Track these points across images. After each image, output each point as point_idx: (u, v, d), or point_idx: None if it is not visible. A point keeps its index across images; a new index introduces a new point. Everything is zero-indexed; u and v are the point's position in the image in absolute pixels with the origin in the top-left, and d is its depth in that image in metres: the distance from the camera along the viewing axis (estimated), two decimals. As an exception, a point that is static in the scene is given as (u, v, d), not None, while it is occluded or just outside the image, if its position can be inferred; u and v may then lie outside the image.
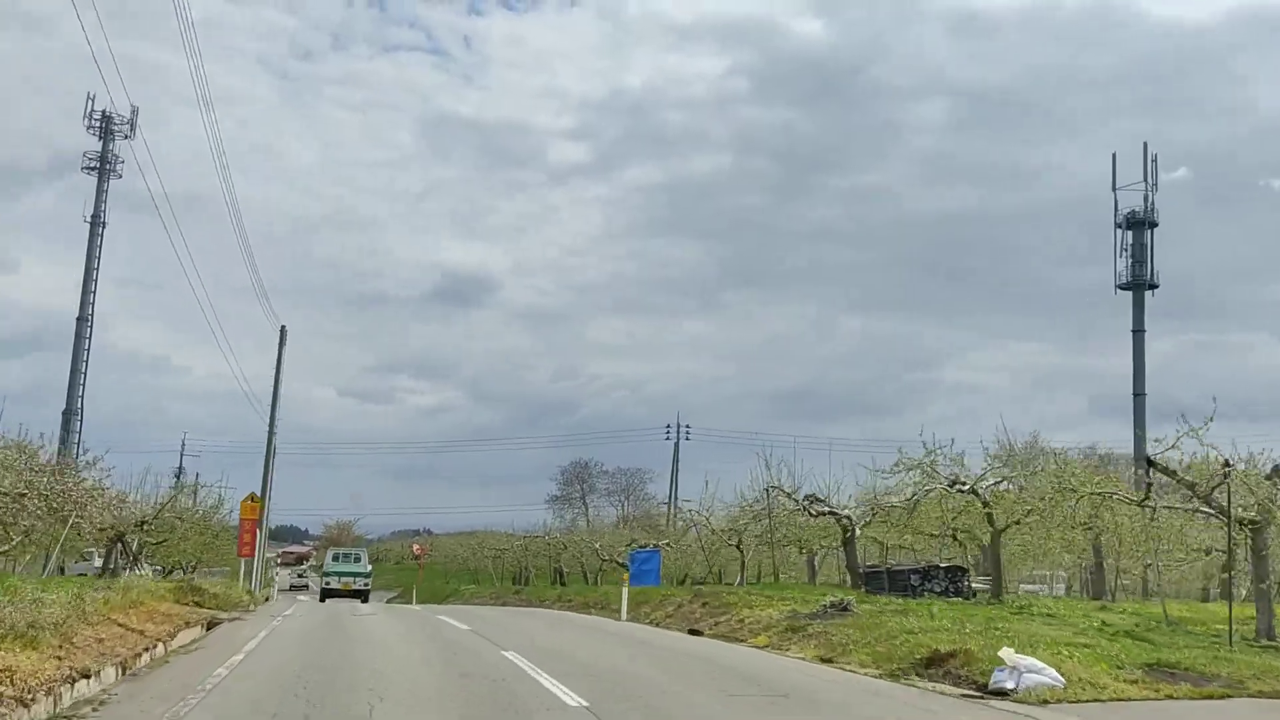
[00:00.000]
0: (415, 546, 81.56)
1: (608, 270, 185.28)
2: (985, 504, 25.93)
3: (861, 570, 29.84)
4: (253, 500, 32.95)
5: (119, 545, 28.61)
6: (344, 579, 41.21)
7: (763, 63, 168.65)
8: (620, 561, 41.87)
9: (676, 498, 71.45)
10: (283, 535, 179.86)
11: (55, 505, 21.33)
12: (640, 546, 40.13)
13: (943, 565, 27.41)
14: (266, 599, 37.71)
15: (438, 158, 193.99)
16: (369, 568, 42.92)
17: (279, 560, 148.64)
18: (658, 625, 25.33)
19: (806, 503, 30.96)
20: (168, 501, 32.20)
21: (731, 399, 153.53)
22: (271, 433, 38.18)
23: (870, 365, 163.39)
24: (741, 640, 20.02)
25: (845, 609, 19.30)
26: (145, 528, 29.73)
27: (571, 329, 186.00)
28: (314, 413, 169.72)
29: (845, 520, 30.23)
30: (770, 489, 32.56)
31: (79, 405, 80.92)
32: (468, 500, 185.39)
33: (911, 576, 26.34)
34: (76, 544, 30.28)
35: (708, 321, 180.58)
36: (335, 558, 44.64)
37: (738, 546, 35.18)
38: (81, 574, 32.52)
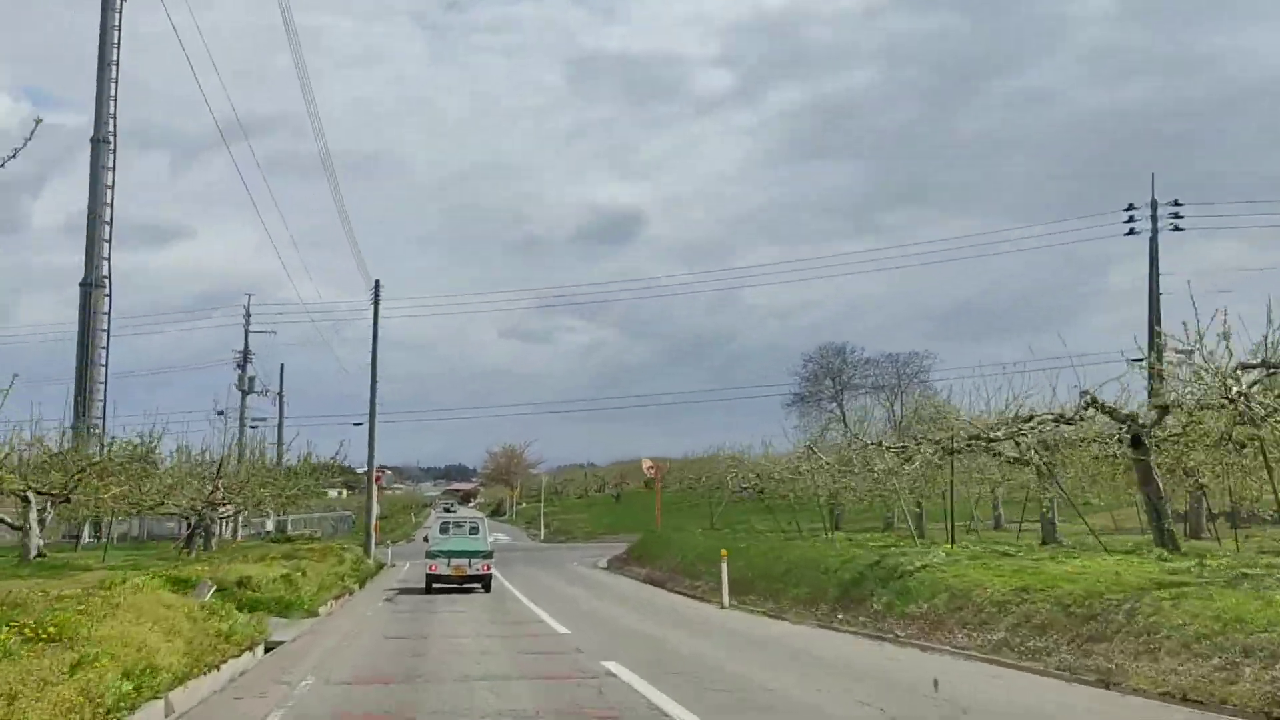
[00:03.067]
0: (647, 464, 49.33)
1: (759, 198, 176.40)
2: None
3: None
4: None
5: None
6: (455, 561, 27.03)
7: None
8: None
9: (1158, 340, 36.04)
10: (451, 475, 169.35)
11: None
12: None
13: None
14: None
15: (585, 97, 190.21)
16: (490, 543, 28.92)
17: (439, 498, 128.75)
18: None
19: None
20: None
21: (893, 320, 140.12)
22: None
23: (1039, 277, 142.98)
24: None
25: None
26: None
27: (724, 260, 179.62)
28: (479, 355, 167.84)
29: None
30: None
31: (106, 273, 50.94)
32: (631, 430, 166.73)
33: None
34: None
35: (864, 243, 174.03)
36: (444, 528, 28.53)
37: None
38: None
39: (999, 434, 20.76)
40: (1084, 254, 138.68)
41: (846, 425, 62.46)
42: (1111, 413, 20.15)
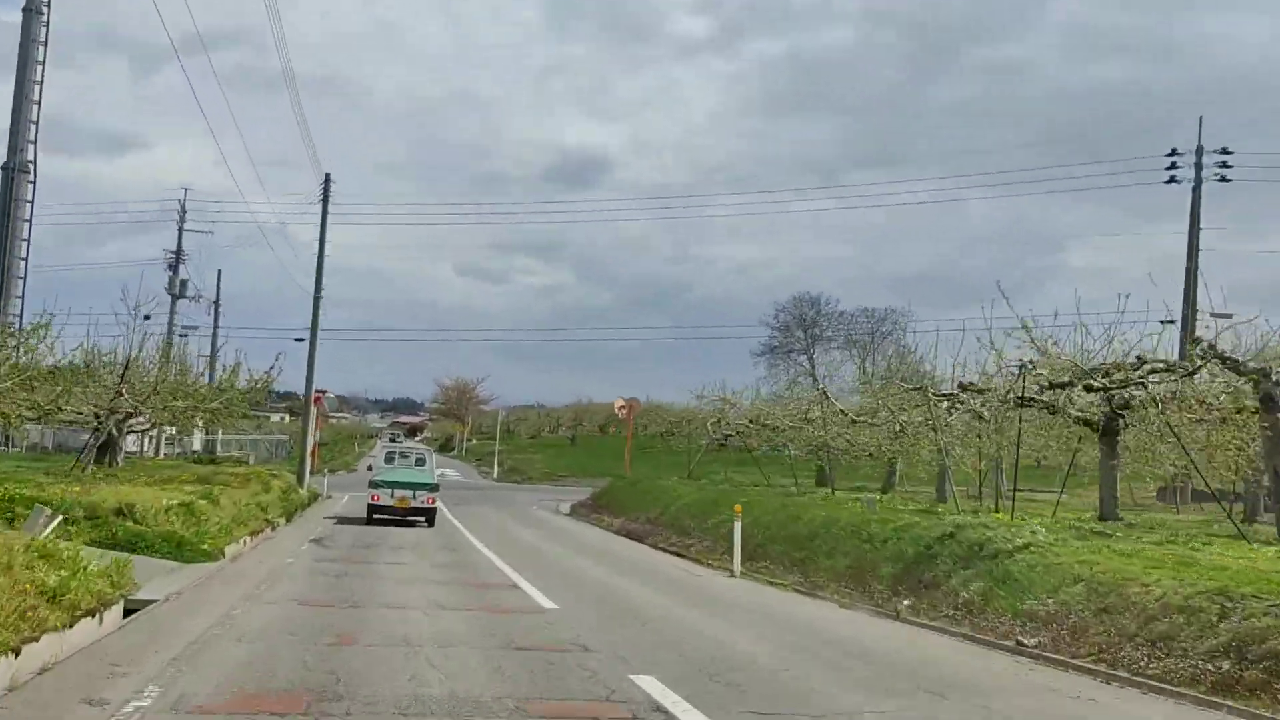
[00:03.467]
0: (619, 403, 45.52)
1: (728, 149, 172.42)
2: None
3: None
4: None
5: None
6: (399, 492, 25.93)
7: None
8: None
9: (1194, 297, 33.74)
10: (399, 407, 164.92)
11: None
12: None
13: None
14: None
15: (561, 34, 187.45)
16: (435, 476, 28.15)
17: (386, 430, 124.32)
18: None
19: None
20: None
21: (851, 281, 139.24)
22: None
23: (998, 248, 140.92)
24: None
25: None
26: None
27: (689, 209, 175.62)
28: (433, 291, 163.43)
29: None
30: None
31: (31, 156, 44.75)
32: (575, 378, 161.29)
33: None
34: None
35: (831, 202, 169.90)
36: (389, 458, 27.75)
37: None
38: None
39: (1100, 381, 16.65)
40: (1057, 227, 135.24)
41: (816, 379, 59.17)
42: (1235, 365, 16.16)
